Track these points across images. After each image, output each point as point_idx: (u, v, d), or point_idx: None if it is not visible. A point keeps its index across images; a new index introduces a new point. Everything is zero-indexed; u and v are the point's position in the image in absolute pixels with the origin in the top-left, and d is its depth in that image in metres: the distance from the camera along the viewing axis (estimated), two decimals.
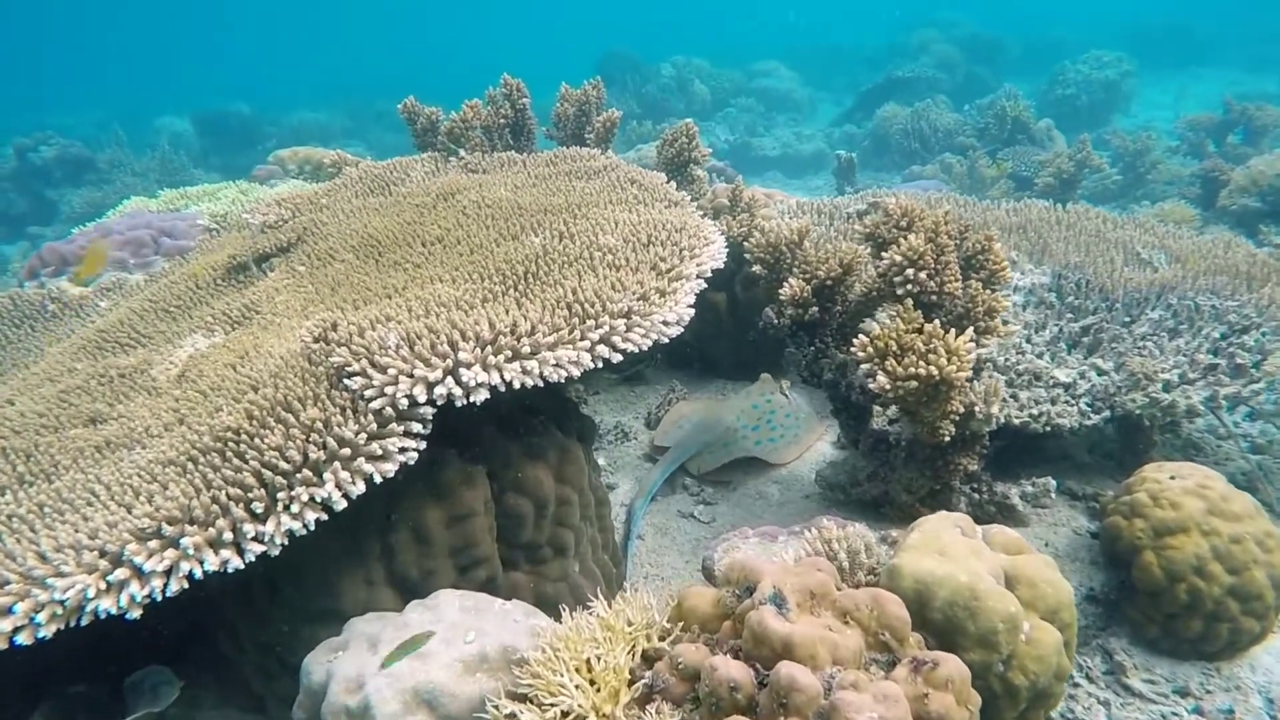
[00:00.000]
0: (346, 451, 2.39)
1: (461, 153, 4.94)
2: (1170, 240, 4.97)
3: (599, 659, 2.07)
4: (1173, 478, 3.38)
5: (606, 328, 2.77)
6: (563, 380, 2.64)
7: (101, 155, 12.60)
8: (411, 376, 2.50)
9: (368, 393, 2.49)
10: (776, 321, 3.93)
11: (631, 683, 2.05)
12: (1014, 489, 3.59)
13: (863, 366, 3.05)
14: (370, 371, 2.53)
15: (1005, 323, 3.35)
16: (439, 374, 2.49)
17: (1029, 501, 3.61)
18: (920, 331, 3.03)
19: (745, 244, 4.02)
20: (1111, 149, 10.20)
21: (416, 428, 2.50)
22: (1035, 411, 3.63)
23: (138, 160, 12.60)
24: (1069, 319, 4.35)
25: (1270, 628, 3.24)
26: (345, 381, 2.57)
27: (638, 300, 2.91)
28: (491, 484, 2.89)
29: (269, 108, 19.82)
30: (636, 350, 2.82)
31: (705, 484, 4.36)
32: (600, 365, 2.75)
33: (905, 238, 3.16)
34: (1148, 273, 4.61)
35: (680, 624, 2.18)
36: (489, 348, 2.56)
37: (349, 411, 2.49)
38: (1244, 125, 10.09)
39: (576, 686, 2.02)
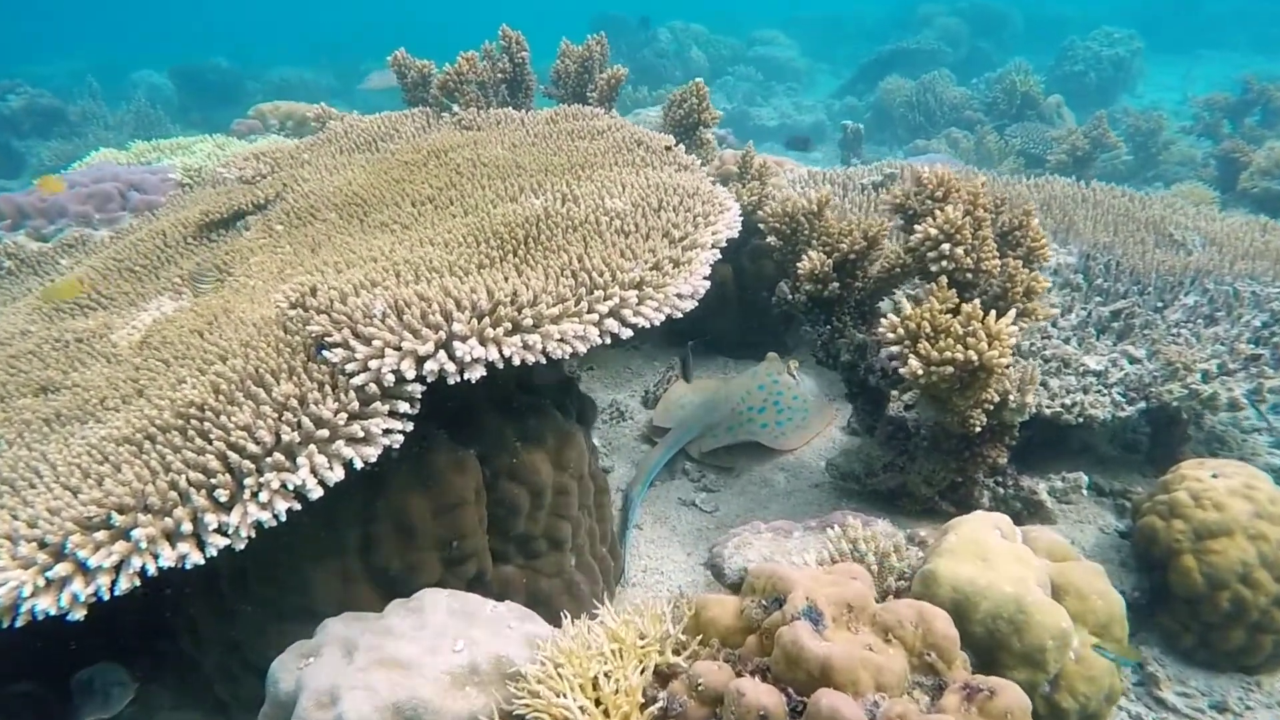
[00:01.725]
0: (324, 433, 2.12)
1: (455, 108, 4.62)
2: (1203, 221, 4.72)
3: (608, 677, 1.82)
4: (1215, 476, 3.15)
5: (616, 300, 2.49)
6: (567, 357, 2.37)
7: (73, 107, 12.07)
8: (399, 349, 2.22)
9: (349, 367, 2.22)
10: (791, 297, 3.66)
11: (644, 705, 1.80)
12: (1042, 484, 3.36)
13: (890, 349, 2.79)
14: (353, 343, 2.25)
15: (1045, 305, 3.09)
16: (430, 347, 2.21)
17: (1057, 497, 3.39)
18: (956, 312, 2.77)
19: (758, 213, 3.75)
20: (1123, 128, 9.93)
21: (403, 407, 2.23)
22: (1068, 401, 3.39)
23: (112, 113, 12.08)
24: (1098, 302, 4.11)
25: None
26: (324, 354, 2.29)
27: (650, 270, 2.64)
28: (484, 470, 2.62)
29: (251, 63, 19.22)
30: (648, 325, 2.55)
31: (707, 470, 4.11)
32: (609, 341, 2.48)
33: (941, 209, 2.89)
34: (1181, 255, 4.36)
35: (698, 637, 1.93)
36: (487, 319, 2.28)
37: (328, 388, 2.22)
38: (1263, 106, 9.82)
39: (582, 709, 1.77)
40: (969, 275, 2.94)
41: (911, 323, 2.76)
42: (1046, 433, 3.75)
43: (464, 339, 2.24)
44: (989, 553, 2.26)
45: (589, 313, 2.45)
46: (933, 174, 3.01)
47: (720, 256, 3.09)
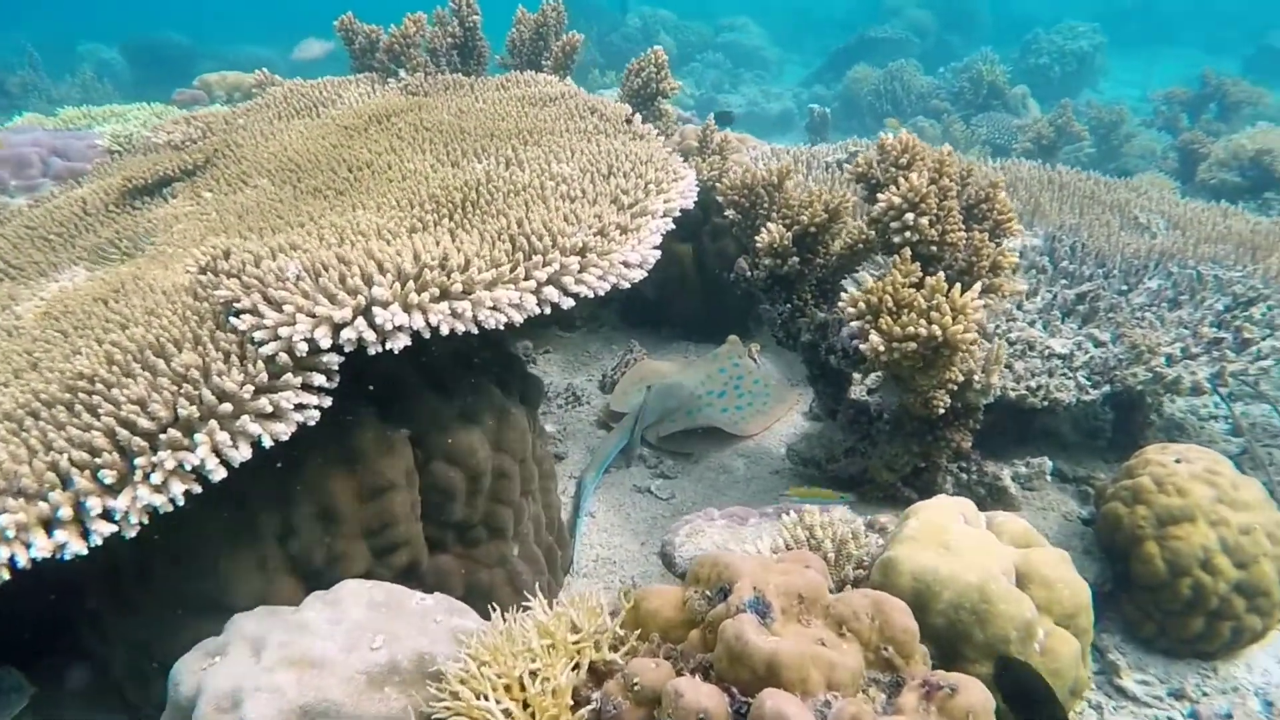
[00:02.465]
0: (227, 407, 1.91)
1: (402, 73, 4.39)
2: (1167, 206, 4.64)
3: (534, 677, 1.65)
4: (1178, 461, 3.05)
5: (556, 266, 2.31)
6: (501, 327, 2.18)
7: (12, 78, 11.52)
8: (313, 316, 2.02)
9: (258, 334, 2.01)
10: (750, 274, 3.51)
11: (575, 706, 1.63)
12: (1006, 469, 3.24)
13: (851, 324, 2.64)
14: (262, 308, 2.05)
15: (1012, 281, 2.97)
16: (348, 313, 2.02)
17: (1022, 484, 3.27)
18: (920, 286, 2.63)
19: (717, 186, 3.57)
20: (1086, 120, 9.92)
21: (319, 380, 2.03)
22: (1033, 384, 3.27)
23: (56, 86, 11.59)
24: (1063, 285, 4.00)
25: (1272, 625, 2.95)
26: (232, 321, 2.09)
27: (595, 235, 2.46)
28: (416, 451, 2.44)
29: (209, 40, 18.64)
30: (591, 294, 2.38)
31: (664, 456, 3.95)
32: (548, 310, 2.30)
33: (906, 177, 2.74)
34: (1146, 239, 4.28)
35: (637, 631, 1.77)
36: (411, 283, 2.09)
37: (234, 358, 2.01)
38: (1219, 100, 9.87)
39: (506, 713, 1.59)
40: (933, 248, 2.80)
41: (873, 296, 2.61)
42: (1009, 417, 3.63)
43: (385, 305, 2.04)
44: (951, 540, 2.12)
45: (526, 279, 2.26)
46: (897, 140, 2.86)
47: (674, 226, 2.92)
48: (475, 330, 2.16)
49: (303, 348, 1.98)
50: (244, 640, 1.92)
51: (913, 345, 2.48)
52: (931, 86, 12.60)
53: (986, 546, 2.12)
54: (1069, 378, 3.42)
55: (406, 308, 2.09)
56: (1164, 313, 3.79)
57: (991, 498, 3.23)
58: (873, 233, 3.21)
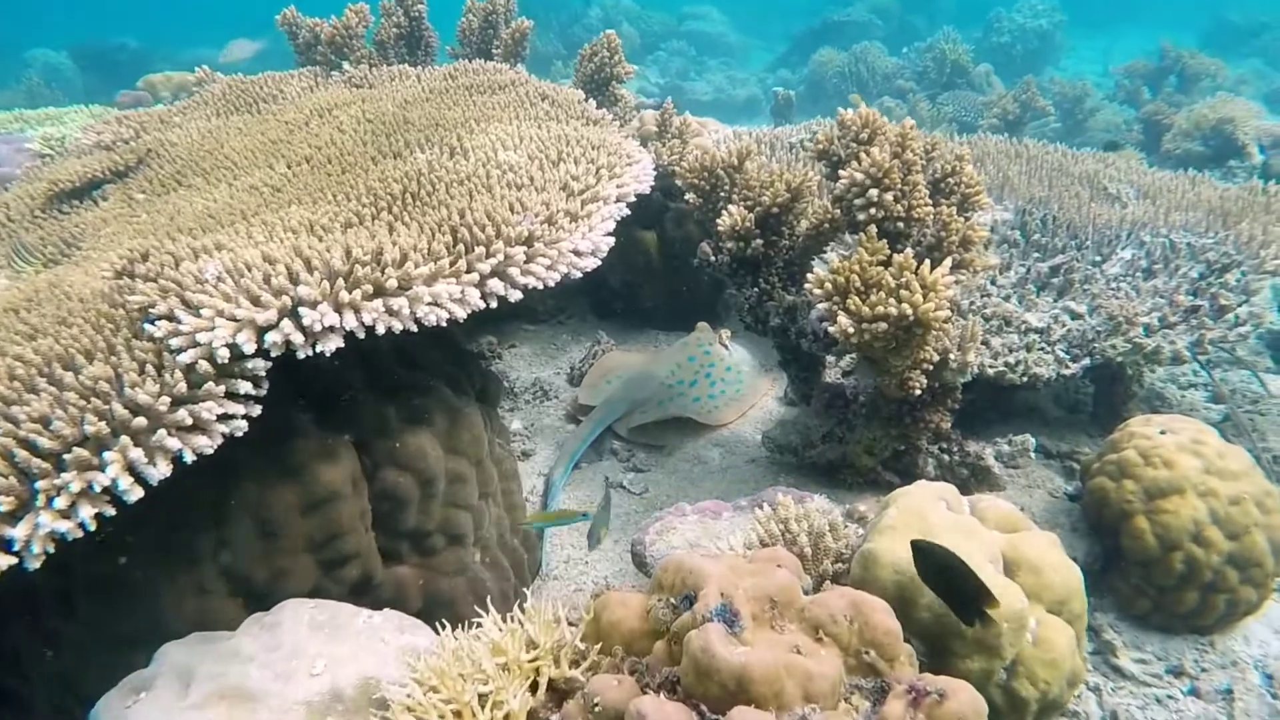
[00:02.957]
0: (141, 422, 1.75)
1: (346, 65, 4.21)
2: (1136, 176, 4.55)
3: (486, 701, 1.51)
4: (1163, 432, 2.96)
5: (500, 257, 2.16)
6: (443, 323, 2.03)
7: None
8: (234, 319, 1.86)
9: (174, 341, 1.85)
10: (714, 258, 3.37)
11: None
12: (988, 449, 3.13)
13: (818, 307, 2.51)
14: (179, 313, 1.88)
15: (984, 255, 2.85)
16: (272, 315, 1.86)
17: (1005, 462, 3.16)
18: (888, 264, 2.51)
19: (677, 169, 3.43)
20: (1050, 95, 9.87)
21: (244, 388, 1.87)
22: (1011, 360, 3.16)
23: (1, 93, 11.23)
24: (1035, 258, 3.90)
25: (1267, 596, 2.87)
26: (148, 328, 1.92)
27: (542, 224, 2.31)
28: (362, 458, 2.28)
29: (162, 43, 18.21)
30: (539, 286, 2.23)
31: (636, 448, 3.81)
32: (494, 305, 2.16)
33: (868, 151, 2.61)
34: (1117, 209, 4.18)
35: (599, 645, 1.62)
36: (341, 281, 1.93)
37: (150, 368, 1.85)
38: (1178, 72, 9.85)
39: None
40: (900, 224, 2.67)
41: (840, 277, 2.48)
42: (989, 395, 3.53)
43: (313, 305, 1.88)
44: (933, 528, 2.00)
45: (468, 272, 2.11)
46: (857, 115, 2.73)
47: (630, 212, 2.78)
48: (414, 328, 2.01)
49: (224, 354, 1.82)
50: (173, 672, 1.76)
51: (883, 326, 2.35)
52: (896, 67, 12.51)
53: (971, 533, 2.00)
54: (1047, 352, 3.32)
55: (337, 307, 1.93)
56: (1139, 282, 3.70)
57: (975, 478, 3.12)
58: (837, 211, 3.08)
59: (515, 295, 2.19)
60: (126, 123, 3.88)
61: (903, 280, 2.36)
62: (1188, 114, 7.45)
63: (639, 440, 3.87)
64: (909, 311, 2.31)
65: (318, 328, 1.87)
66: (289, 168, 3.08)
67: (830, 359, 3.21)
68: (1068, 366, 3.29)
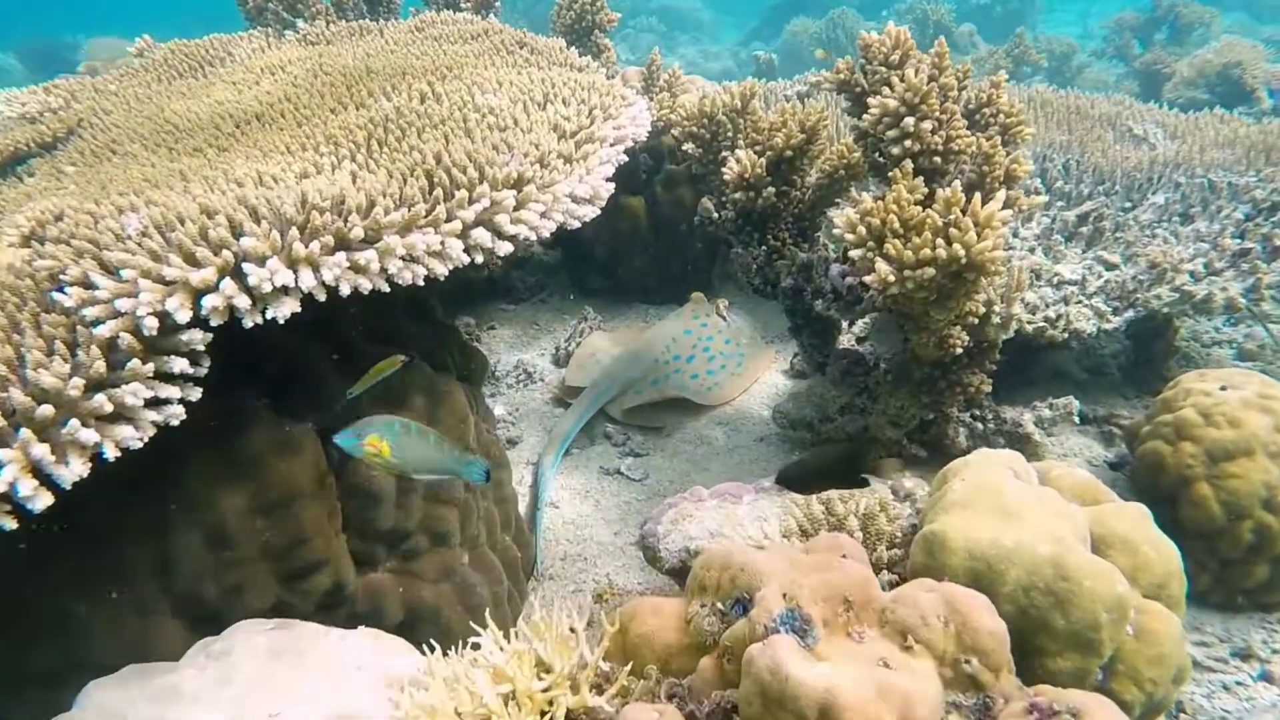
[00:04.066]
0: (47, 411, 1.40)
1: (300, 24, 3.83)
2: (1160, 115, 4.28)
3: None
4: (1224, 388, 2.68)
5: (486, 202, 1.83)
6: (420, 282, 1.70)
7: None
8: (164, 281, 1.51)
9: (89, 311, 1.50)
10: (717, 215, 3.05)
11: None
12: (1027, 414, 2.84)
13: (852, 253, 2.19)
14: (95, 276, 1.53)
15: (1028, 193, 2.55)
16: (210, 274, 1.51)
17: (1044, 428, 2.87)
18: (929, 202, 2.19)
19: (671, 118, 3.10)
20: (1038, 51, 9.59)
21: (180, 366, 1.53)
22: (1051, 314, 2.87)
23: None
24: (1060, 207, 3.61)
25: None
26: (57, 298, 1.57)
27: (533, 165, 1.97)
28: (329, 448, 1.94)
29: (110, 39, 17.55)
30: (532, 237, 1.90)
31: (631, 431, 3.49)
32: (479, 259, 1.82)
33: (900, 75, 2.29)
34: (1145, 150, 3.90)
35: (628, 665, 1.30)
36: (296, 232, 1.59)
37: (60, 345, 1.50)
38: (1170, 23, 9.60)
39: None
40: (936, 159, 2.36)
41: (874, 218, 2.16)
42: (1017, 357, 3.24)
43: (261, 260, 1.54)
44: (1010, 502, 1.69)
45: (448, 220, 1.77)
46: (885, 36, 2.41)
47: (626, 158, 2.45)
48: (385, 288, 1.67)
49: (151, 324, 1.47)
50: (98, 717, 1.42)
51: (930, 272, 2.04)
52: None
53: (1055, 508, 1.70)
54: (1086, 305, 3.03)
55: (291, 263, 1.58)
56: (1177, 228, 3.42)
57: (1013, 447, 2.81)
58: (857, 154, 2.77)
59: (504, 247, 1.85)
60: (55, 92, 3.49)
61: (951, 218, 2.05)
62: (1190, 60, 7.18)
63: (634, 422, 3.54)
64: (961, 254, 1.99)
65: (267, 288, 1.53)
66: (237, 126, 2.72)
67: (845, 324, 2.90)
68: (1109, 320, 3.00)
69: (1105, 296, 3.12)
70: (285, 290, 1.56)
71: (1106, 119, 4.20)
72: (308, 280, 1.57)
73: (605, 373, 3.64)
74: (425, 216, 1.76)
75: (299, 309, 1.58)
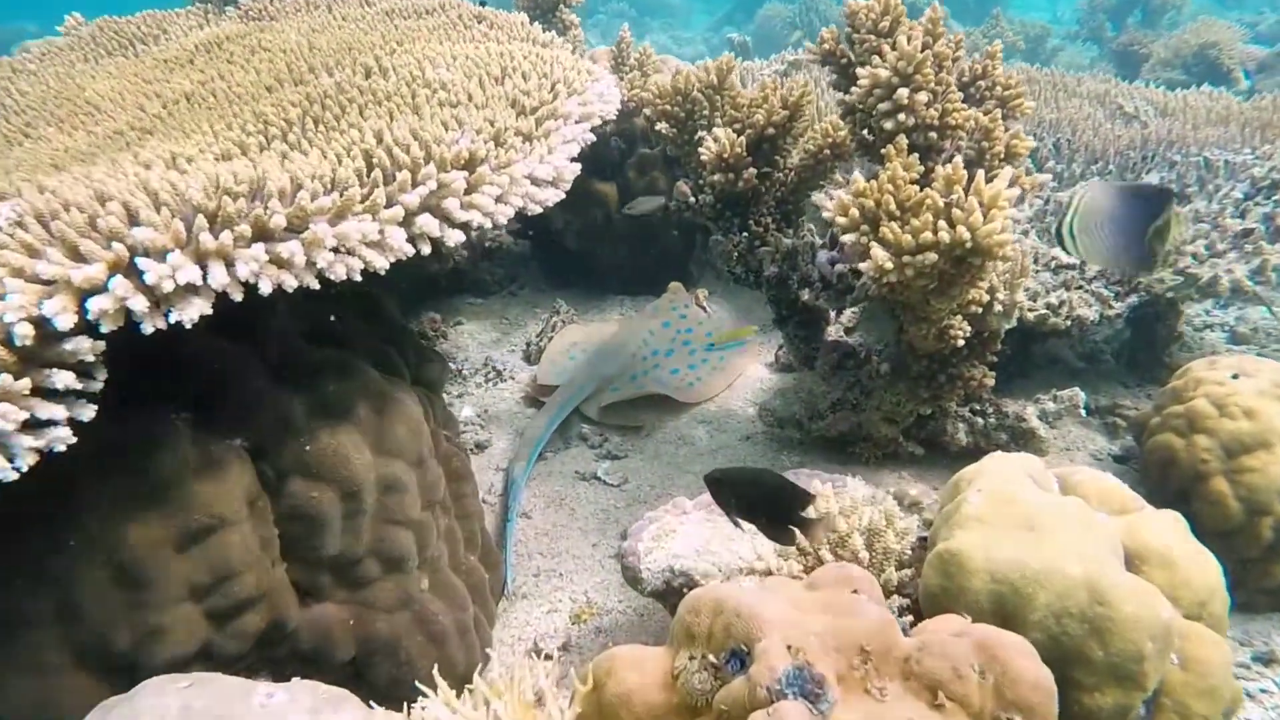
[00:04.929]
0: None
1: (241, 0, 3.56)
2: (1149, 93, 4.11)
3: None
4: (1235, 376, 2.52)
5: (432, 184, 1.60)
6: (355, 277, 1.47)
7: None
8: (41, 280, 1.27)
9: None
10: (694, 200, 2.84)
11: None
12: (1030, 407, 2.65)
13: (844, 239, 1.99)
14: None
15: (1029, 171, 2.36)
16: (98, 271, 1.27)
17: (1049, 422, 2.69)
18: (926, 181, 1.99)
19: (643, 95, 2.88)
20: (1011, 33, 9.46)
21: (64, 380, 1.29)
22: (1053, 301, 2.68)
23: None
24: (1053, 188, 3.43)
25: None
26: None
27: (487, 142, 1.75)
28: (261, 467, 1.71)
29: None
30: (487, 225, 1.67)
31: (608, 431, 3.27)
32: (426, 250, 1.60)
33: (892, 44, 2.08)
34: (1137, 128, 3.74)
35: None
36: (203, 220, 1.35)
37: None
38: (1143, 5, 9.52)
39: None
40: (931, 135, 2.16)
41: (868, 199, 1.96)
42: (1009, 347, 3.06)
43: (160, 254, 1.30)
44: (1033, 515, 1.49)
45: (389, 206, 1.54)
46: (872, 2, 2.20)
47: (594, 137, 2.23)
48: (315, 284, 1.44)
49: (24, 332, 1.23)
50: None
51: (931, 258, 1.84)
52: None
53: (1081, 518, 1.50)
54: (1087, 291, 2.85)
55: (199, 256, 1.35)
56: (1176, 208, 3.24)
57: (1016, 443, 2.65)
58: (843, 131, 2.56)
59: (455, 236, 1.63)
60: None
61: (953, 198, 1.85)
62: (1166, 42, 7.06)
63: (611, 422, 3.33)
64: (965, 237, 1.79)
65: (168, 287, 1.29)
66: (164, 107, 2.47)
67: (833, 313, 2.70)
68: (1111, 306, 2.83)
69: (1105, 281, 2.95)
70: (193, 289, 1.33)
71: (1095, 96, 4.04)
72: (219, 277, 1.34)
73: (580, 370, 3.42)
74: (361, 202, 1.53)
75: (209, 311, 1.34)
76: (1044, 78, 4.32)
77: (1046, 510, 1.50)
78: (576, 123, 2.12)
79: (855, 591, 1.16)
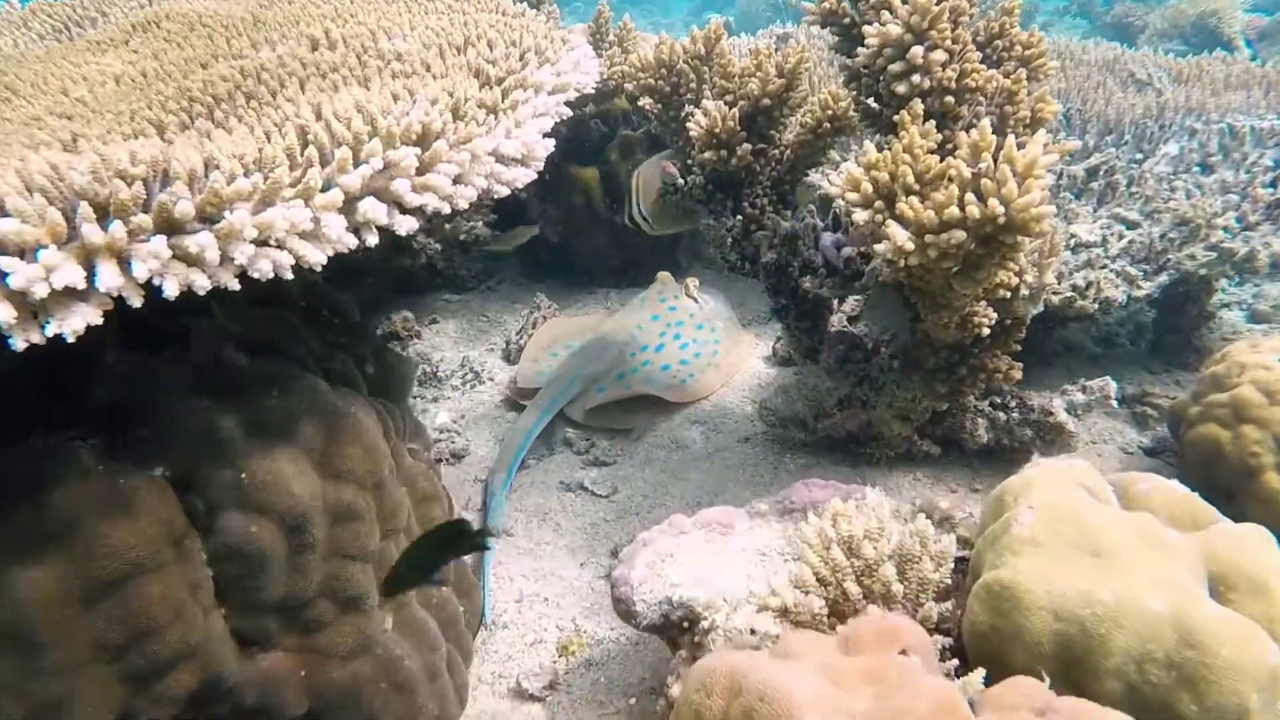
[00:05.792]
0: None
1: None
2: (1160, 59, 3.89)
3: None
4: None
5: (378, 163, 1.35)
6: (285, 274, 1.22)
7: None
8: None
9: None
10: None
11: None
12: (1057, 399, 2.42)
13: (857, 217, 1.75)
14: None
15: (1057, 139, 2.13)
16: None
17: (1078, 415, 2.46)
18: (947, 150, 1.76)
19: (624, 69, 2.64)
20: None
21: None
22: (1079, 282, 2.46)
23: None
24: (1066, 161, 3.20)
25: None
26: None
27: (443, 114, 1.50)
28: (190, 499, 1.46)
29: None
30: (444, 209, 1.43)
31: (595, 436, 3.03)
32: (372, 241, 1.35)
33: None
34: (1152, 96, 3.51)
35: None
36: (87, 209, 1.10)
37: None
38: None
39: None
40: (949, 99, 1.92)
41: (882, 172, 1.72)
42: (1029, 333, 2.84)
43: (21, 251, 1.05)
44: (1098, 537, 1.26)
45: (326, 190, 1.29)
46: None
47: (570, 111, 1.98)
48: (233, 284, 1.19)
49: None
50: None
51: (960, 236, 1.60)
52: None
53: (1155, 540, 1.27)
54: (1112, 270, 2.62)
55: (85, 254, 1.10)
56: (1199, 179, 3.03)
57: (1042, 439, 2.42)
58: (844, 102, 2.32)
59: (405, 224, 1.38)
60: None
61: (982, 167, 1.61)
62: (1162, 12, 6.85)
63: (598, 425, 3.08)
64: (999, 211, 1.56)
65: (41, 291, 1.04)
66: (90, 90, 2.20)
67: (836, 302, 2.46)
68: (1139, 286, 2.60)
69: (1130, 259, 2.72)
70: (75, 294, 1.08)
71: (1104, 64, 3.81)
72: (110, 279, 1.09)
73: (563, 369, 3.17)
74: (294, 185, 1.28)
75: (97, 320, 1.09)
76: (1048, 45, 4.08)
77: (1112, 529, 1.27)
78: (550, 94, 1.87)
79: (904, 652, 0.93)
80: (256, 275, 1.20)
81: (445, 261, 4.03)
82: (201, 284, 1.15)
